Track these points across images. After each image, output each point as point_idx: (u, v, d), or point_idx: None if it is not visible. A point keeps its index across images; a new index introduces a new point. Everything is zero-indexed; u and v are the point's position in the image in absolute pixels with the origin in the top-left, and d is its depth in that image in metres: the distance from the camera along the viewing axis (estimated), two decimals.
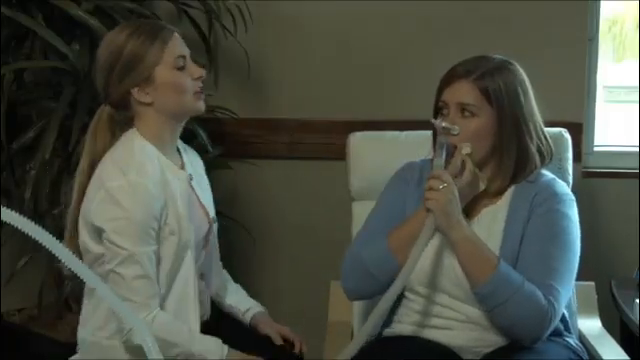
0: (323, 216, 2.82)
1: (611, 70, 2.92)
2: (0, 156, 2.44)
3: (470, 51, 2.70)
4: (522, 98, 1.89)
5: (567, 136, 2.35)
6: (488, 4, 2.67)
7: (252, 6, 2.63)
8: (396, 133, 2.42)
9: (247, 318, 2.10)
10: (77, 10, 2.34)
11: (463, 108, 1.87)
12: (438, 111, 1.92)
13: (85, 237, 1.87)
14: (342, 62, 2.79)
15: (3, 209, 0.95)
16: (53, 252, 1.08)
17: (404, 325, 1.97)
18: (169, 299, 1.87)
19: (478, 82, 1.88)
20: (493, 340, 1.88)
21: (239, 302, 2.14)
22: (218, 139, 2.57)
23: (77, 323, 2.54)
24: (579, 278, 2.06)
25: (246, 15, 2.60)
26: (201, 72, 1.90)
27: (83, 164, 1.92)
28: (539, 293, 1.77)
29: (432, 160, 1.90)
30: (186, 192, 1.94)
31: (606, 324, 2.36)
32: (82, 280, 1.18)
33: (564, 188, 1.95)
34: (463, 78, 1.90)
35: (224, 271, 2.20)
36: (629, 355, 2.11)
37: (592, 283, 2.38)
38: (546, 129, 2.03)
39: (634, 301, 2.28)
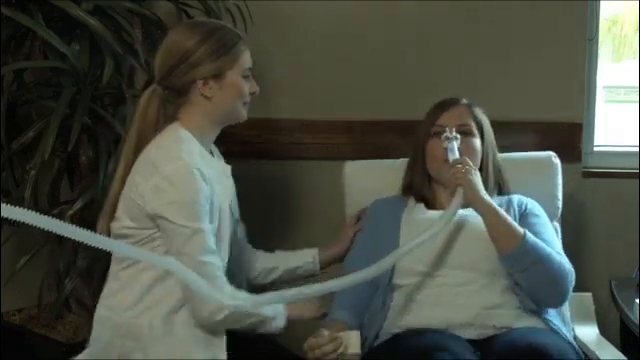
0: (323, 216, 2.82)
1: (611, 70, 2.91)
2: (0, 156, 2.44)
3: (470, 51, 2.72)
4: (490, 129, 2.25)
5: (556, 161, 2.40)
6: (488, 4, 2.67)
7: (252, 6, 2.63)
8: (390, 161, 2.45)
9: (317, 265, 2.27)
10: (77, 10, 2.33)
11: (462, 129, 2.15)
12: (433, 135, 2.18)
13: (127, 222, 1.89)
14: (342, 62, 2.79)
15: (3, 205, 0.95)
16: (63, 234, 1.06)
17: (406, 317, 2.02)
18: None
19: (470, 108, 2.23)
20: (488, 314, 1.98)
21: (299, 259, 2.30)
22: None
23: (77, 323, 2.55)
24: (577, 286, 2.10)
25: (246, 15, 2.61)
26: (257, 89, 2.02)
27: (128, 148, 1.94)
28: (560, 256, 2.02)
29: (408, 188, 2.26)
30: (223, 184, 2.00)
31: (606, 325, 2.36)
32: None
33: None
34: (457, 104, 2.22)
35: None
36: (629, 356, 2.12)
37: (589, 294, 2.41)
38: (536, 153, 2.44)
39: (634, 301, 2.28)
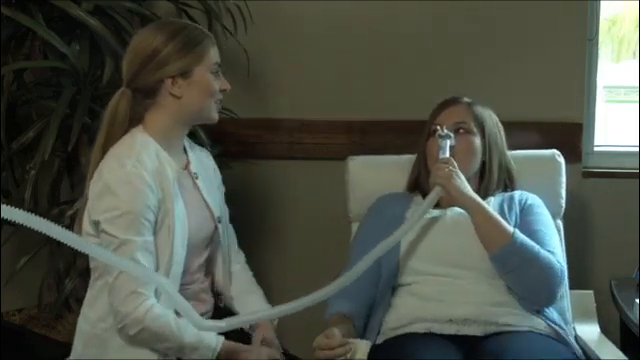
0: (323, 216, 2.82)
1: (611, 70, 2.91)
2: (0, 156, 2.44)
3: (470, 51, 2.72)
4: (500, 129, 2.26)
5: (560, 159, 2.40)
6: (488, 4, 2.67)
7: (252, 6, 2.63)
8: (394, 157, 2.45)
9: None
10: (77, 10, 2.34)
11: (459, 127, 2.17)
12: (432, 134, 2.19)
13: (88, 229, 1.88)
14: (342, 62, 2.78)
15: (3, 206, 0.95)
16: (57, 238, 1.07)
17: (410, 321, 2.01)
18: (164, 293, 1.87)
19: (470, 107, 2.23)
20: (492, 311, 1.98)
21: (248, 307, 2.11)
22: (218, 139, 2.57)
23: (76, 323, 2.54)
24: (578, 286, 2.10)
25: (246, 15, 2.61)
26: (228, 86, 1.99)
27: (96, 153, 1.93)
28: (551, 255, 2.00)
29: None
30: (186, 189, 1.95)
31: (607, 324, 2.36)
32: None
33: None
34: (457, 103, 2.24)
35: (249, 273, 2.20)
36: (629, 356, 2.12)
37: (590, 291, 2.41)
38: (539, 151, 2.44)
39: (634, 301, 2.28)
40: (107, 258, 1.38)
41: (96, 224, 1.84)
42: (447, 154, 2.08)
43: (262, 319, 1.55)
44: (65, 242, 1.11)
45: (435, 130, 2.17)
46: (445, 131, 2.13)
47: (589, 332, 2.27)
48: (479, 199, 2.05)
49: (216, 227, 2.06)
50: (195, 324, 1.46)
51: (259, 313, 1.55)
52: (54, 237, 1.09)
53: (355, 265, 1.74)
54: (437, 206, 2.13)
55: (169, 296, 1.46)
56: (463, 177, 2.05)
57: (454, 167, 2.04)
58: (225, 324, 1.60)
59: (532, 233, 2.06)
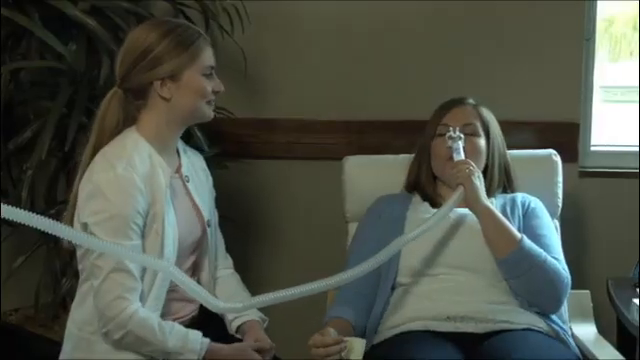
0: (321, 216, 2.82)
1: (608, 70, 2.92)
2: None
3: (468, 51, 2.72)
4: (500, 130, 2.26)
5: (557, 159, 2.41)
6: (487, 4, 2.68)
7: (249, 6, 2.63)
8: (390, 157, 2.45)
9: (233, 327, 2.07)
10: (74, 10, 2.34)
11: (466, 129, 2.16)
12: (438, 135, 2.19)
13: (77, 230, 1.86)
14: (340, 62, 2.78)
15: (3, 206, 0.95)
16: (55, 233, 1.07)
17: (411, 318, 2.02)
18: (150, 296, 1.87)
19: (476, 108, 2.23)
20: (490, 308, 1.98)
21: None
22: (215, 139, 2.57)
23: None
24: (574, 285, 2.10)
25: (243, 15, 2.60)
26: (222, 87, 1.96)
27: (87, 153, 1.92)
28: (557, 262, 2.02)
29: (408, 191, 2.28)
30: (176, 193, 1.95)
31: (604, 324, 2.36)
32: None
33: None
34: (462, 104, 2.23)
35: (237, 277, 2.19)
36: (626, 356, 2.12)
37: (587, 291, 2.41)
38: (536, 150, 2.44)
39: (631, 301, 2.28)
40: (114, 250, 1.38)
41: (84, 226, 1.83)
42: (462, 155, 2.08)
43: (279, 300, 1.54)
44: (68, 239, 1.11)
45: (443, 132, 2.16)
46: (457, 132, 2.12)
47: (586, 332, 2.28)
48: (489, 203, 2.05)
49: (205, 231, 2.04)
50: (209, 304, 1.45)
51: (277, 293, 1.53)
52: (56, 234, 1.09)
53: (369, 259, 1.71)
54: (438, 206, 2.13)
55: (178, 281, 1.46)
56: (482, 179, 2.07)
57: (474, 167, 2.06)
58: (241, 305, 1.59)
59: (537, 238, 2.07)
